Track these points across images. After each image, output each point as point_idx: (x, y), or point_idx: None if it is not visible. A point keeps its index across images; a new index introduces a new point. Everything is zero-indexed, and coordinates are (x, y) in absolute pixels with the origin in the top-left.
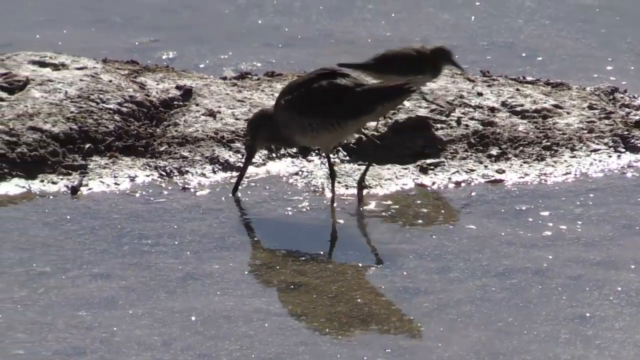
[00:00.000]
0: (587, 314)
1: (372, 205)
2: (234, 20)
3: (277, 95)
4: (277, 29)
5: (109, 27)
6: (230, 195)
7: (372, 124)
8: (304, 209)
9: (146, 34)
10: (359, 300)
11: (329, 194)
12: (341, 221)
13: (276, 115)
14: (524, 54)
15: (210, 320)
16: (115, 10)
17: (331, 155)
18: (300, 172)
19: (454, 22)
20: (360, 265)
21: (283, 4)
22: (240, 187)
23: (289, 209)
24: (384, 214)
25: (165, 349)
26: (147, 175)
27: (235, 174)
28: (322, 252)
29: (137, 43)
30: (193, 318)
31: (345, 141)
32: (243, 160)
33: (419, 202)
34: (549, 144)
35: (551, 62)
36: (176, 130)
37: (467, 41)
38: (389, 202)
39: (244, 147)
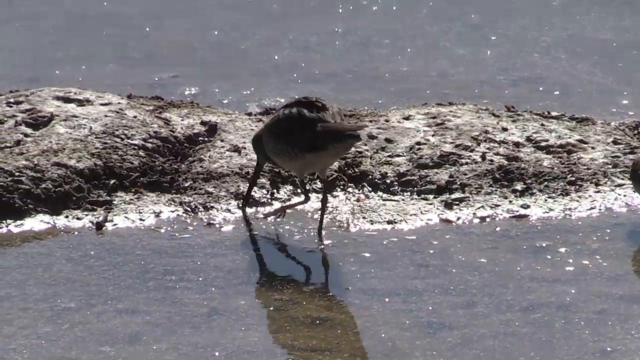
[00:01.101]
0: (609, 348)
1: (397, 240)
2: (252, 56)
3: None
4: (295, 64)
5: (130, 63)
6: (241, 208)
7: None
8: (330, 245)
9: (166, 70)
10: (383, 335)
11: (353, 229)
12: (365, 254)
13: (264, 137)
14: (541, 88)
15: (234, 355)
16: (135, 46)
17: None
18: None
19: (470, 57)
20: (386, 300)
21: (299, 40)
22: (251, 200)
23: (315, 244)
24: (409, 248)
25: None
26: (172, 211)
27: (260, 209)
28: (349, 287)
29: (156, 79)
30: (217, 353)
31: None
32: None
33: (443, 237)
34: (573, 179)
35: (569, 97)
36: (201, 166)
37: (484, 76)
38: (414, 237)
39: (269, 182)
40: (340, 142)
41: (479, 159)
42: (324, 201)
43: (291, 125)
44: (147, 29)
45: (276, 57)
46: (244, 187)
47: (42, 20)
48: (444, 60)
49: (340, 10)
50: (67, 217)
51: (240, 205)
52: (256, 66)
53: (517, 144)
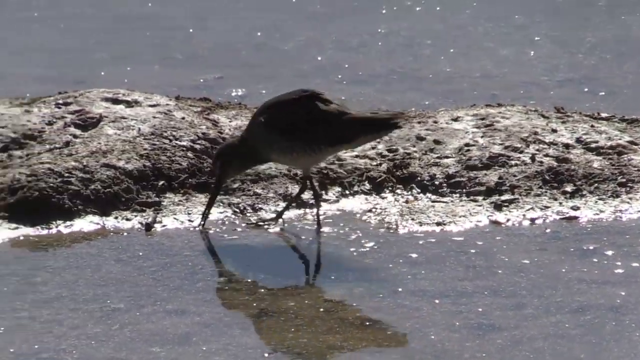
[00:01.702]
0: None
1: (446, 242)
2: (296, 57)
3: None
4: (339, 65)
5: (173, 64)
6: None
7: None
8: (378, 247)
9: (210, 72)
10: (433, 336)
11: (402, 231)
12: (414, 255)
13: (252, 134)
14: (586, 89)
15: (284, 356)
16: (178, 47)
17: (404, 192)
18: (373, 209)
19: (513, 58)
20: (436, 301)
21: (343, 41)
22: (208, 219)
23: (363, 246)
24: (458, 250)
25: None
26: (221, 212)
27: (308, 210)
28: (399, 289)
29: (202, 80)
30: (266, 354)
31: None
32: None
33: (493, 239)
34: (624, 180)
35: (615, 98)
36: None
37: (528, 77)
38: (463, 239)
39: (317, 184)
40: (374, 133)
41: (529, 161)
42: (318, 195)
43: (307, 121)
44: (191, 30)
45: (319, 58)
46: (292, 188)
47: (87, 21)
48: (487, 61)
49: (384, 11)
50: (116, 218)
51: (201, 224)
52: (300, 67)
53: (566, 146)
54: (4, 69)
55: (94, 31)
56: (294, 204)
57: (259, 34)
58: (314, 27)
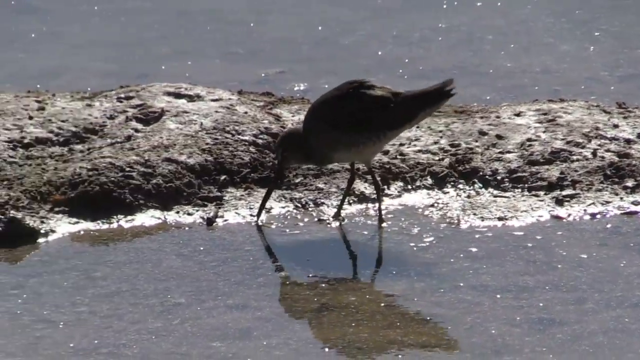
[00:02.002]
0: None
1: (507, 237)
2: (357, 52)
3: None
4: (399, 60)
5: (234, 59)
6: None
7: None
8: (440, 241)
9: (271, 66)
10: (494, 331)
11: (464, 225)
12: (476, 250)
13: (310, 137)
14: None
15: (344, 351)
16: (239, 42)
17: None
18: (435, 204)
19: (573, 53)
20: (497, 296)
21: (403, 36)
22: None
23: (425, 240)
24: (519, 245)
25: None
26: (283, 207)
27: (370, 205)
28: (460, 283)
29: (263, 74)
30: (327, 349)
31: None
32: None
33: (554, 233)
34: None
35: None
36: None
37: (588, 72)
38: (525, 234)
39: (379, 179)
40: (432, 106)
41: (590, 156)
42: (378, 186)
43: (365, 110)
44: (251, 25)
45: (379, 53)
46: (354, 183)
47: (148, 15)
48: (547, 56)
49: (445, 6)
50: (177, 212)
51: (257, 221)
52: (361, 62)
53: (628, 141)
54: (65, 62)
55: (155, 25)
56: (351, 197)
57: (320, 28)
58: (374, 21)
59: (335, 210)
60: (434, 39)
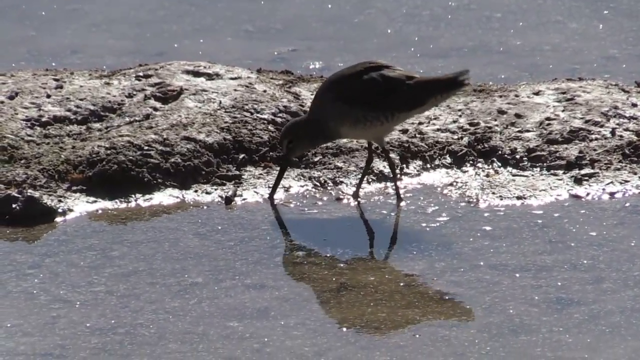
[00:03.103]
0: None
1: (526, 216)
2: (366, 30)
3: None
4: (409, 38)
5: (245, 37)
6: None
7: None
8: (459, 220)
9: (283, 44)
10: (512, 311)
11: (483, 205)
12: (495, 229)
13: (321, 111)
14: None
15: (362, 331)
16: (249, 20)
17: (485, 166)
18: (454, 183)
19: (582, 31)
20: (516, 275)
21: (412, 14)
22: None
23: (444, 219)
24: (538, 224)
25: None
26: (301, 186)
27: (389, 184)
28: (481, 263)
29: (276, 53)
30: (344, 329)
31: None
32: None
33: (572, 213)
34: None
35: None
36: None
37: (597, 50)
38: (543, 213)
39: (398, 158)
40: (444, 93)
41: (609, 135)
42: (393, 164)
43: (378, 89)
44: (262, 2)
45: (389, 31)
46: (373, 162)
47: None
48: (556, 34)
49: None
50: (196, 191)
51: (268, 196)
52: (372, 40)
53: None
54: (83, 41)
55: (173, 3)
56: (369, 175)
57: (329, 6)
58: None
59: (354, 189)
60: (443, 17)
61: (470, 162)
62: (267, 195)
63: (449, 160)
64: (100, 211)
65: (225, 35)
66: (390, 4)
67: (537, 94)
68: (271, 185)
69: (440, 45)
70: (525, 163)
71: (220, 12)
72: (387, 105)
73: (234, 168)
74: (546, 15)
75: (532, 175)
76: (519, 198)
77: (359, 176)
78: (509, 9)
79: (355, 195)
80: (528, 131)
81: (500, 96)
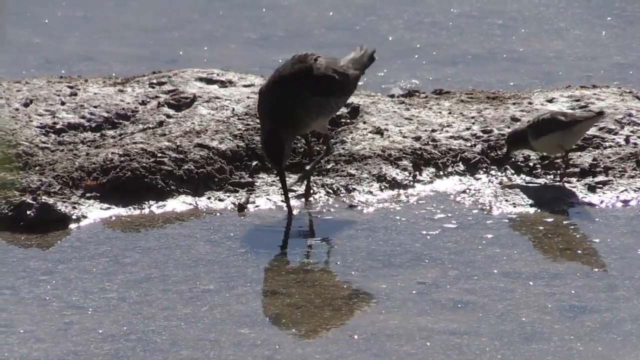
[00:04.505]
0: None
1: (539, 223)
2: (367, 36)
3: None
4: (410, 45)
5: (247, 44)
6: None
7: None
8: (472, 228)
9: (285, 52)
10: (524, 319)
11: (496, 212)
12: (508, 237)
13: (293, 111)
14: None
15: (374, 338)
16: (250, 27)
17: (498, 173)
18: (467, 190)
19: (585, 38)
20: (530, 283)
21: (414, 20)
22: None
23: (458, 227)
24: (551, 231)
25: None
26: (314, 193)
27: (402, 191)
28: (494, 271)
29: (280, 60)
30: (356, 336)
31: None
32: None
33: (586, 220)
34: None
35: None
36: (343, 148)
37: (601, 57)
38: (557, 220)
39: (411, 165)
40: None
41: (623, 142)
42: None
43: (339, 78)
44: (263, 10)
45: (390, 38)
46: (386, 169)
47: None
48: (559, 41)
49: None
50: (209, 198)
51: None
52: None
53: None
54: (97, 48)
55: (175, 11)
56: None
57: (330, 13)
58: (385, 5)
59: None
60: (445, 25)
61: (484, 169)
62: (280, 202)
63: (462, 167)
64: (113, 218)
65: (228, 42)
66: (392, 10)
67: (550, 101)
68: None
69: (444, 52)
70: (539, 170)
71: (222, 20)
72: (343, 92)
73: (247, 175)
74: (548, 22)
75: (546, 182)
76: (532, 206)
77: (373, 183)
78: (510, 16)
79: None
80: None
81: (514, 103)
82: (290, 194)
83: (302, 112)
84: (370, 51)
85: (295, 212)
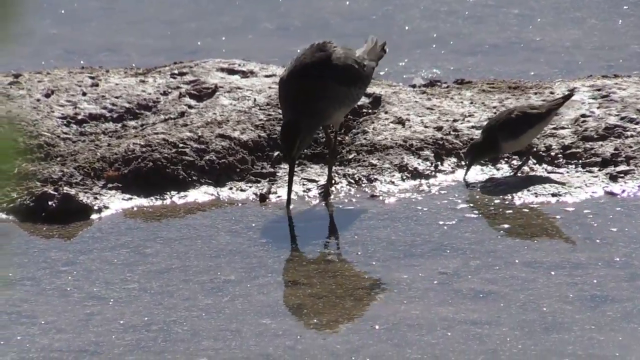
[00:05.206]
0: None
1: (561, 213)
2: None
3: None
4: (427, 35)
5: (264, 34)
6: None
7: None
8: (494, 218)
9: (303, 42)
10: (545, 309)
11: (518, 202)
12: (530, 226)
13: (316, 102)
14: None
15: (395, 328)
16: (267, 17)
17: (520, 163)
18: (489, 180)
19: (601, 27)
20: (552, 273)
21: (430, 9)
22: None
23: (479, 217)
24: (573, 221)
25: (348, 357)
26: (336, 183)
27: (424, 181)
28: (516, 261)
29: (298, 50)
30: (377, 326)
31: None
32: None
33: (608, 210)
34: None
35: None
36: (365, 138)
37: (620, 46)
38: (579, 210)
39: (433, 155)
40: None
41: None
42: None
43: (358, 67)
44: (279, 0)
45: (407, 28)
46: (407, 159)
47: None
48: (576, 30)
49: None
50: (230, 188)
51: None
52: (391, 37)
53: None
54: (119, 38)
55: (204, 1)
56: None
57: (347, 3)
58: None
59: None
60: (461, 14)
61: (505, 159)
62: (302, 192)
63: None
64: (135, 208)
65: (246, 33)
66: (406, 1)
67: (572, 90)
68: (306, 183)
69: (462, 42)
70: (560, 160)
71: (238, 11)
72: (363, 82)
73: (269, 165)
74: (564, 11)
75: (567, 172)
76: (553, 195)
77: (395, 173)
78: (527, 5)
79: (325, 190)
80: (563, 128)
81: (535, 93)
82: (312, 184)
83: (325, 103)
84: (381, 43)
85: (316, 202)
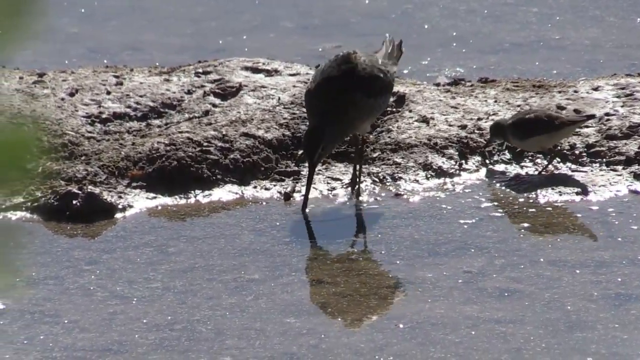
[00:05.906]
0: None
1: (585, 211)
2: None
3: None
4: (446, 33)
5: (285, 33)
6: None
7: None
8: (519, 216)
9: (324, 40)
10: (569, 307)
11: (542, 200)
12: (554, 225)
13: (348, 110)
14: None
15: (419, 327)
16: (286, 16)
17: (544, 162)
18: (513, 179)
19: (620, 25)
20: (576, 271)
21: (449, 8)
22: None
23: (503, 215)
24: (597, 219)
25: (372, 356)
26: (360, 182)
27: (448, 179)
28: (541, 259)
29: (320, 49)
30: (401, 325)
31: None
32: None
33: (632, 208)
34: None
35: None
36: (389, 137)
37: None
38: (603, 208)
39: (457, 153)
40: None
41: None
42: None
43: (383, 77)
44: None
45: (426, 27)
46: (432, 158)
47: None
48: (595, 28)
49: None
50: (255, 187)
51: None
52: (414, 36)
53: None
54: (143, 37)
55: (224, 0)
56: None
57: (366, 1)
58: None
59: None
60: (480, 12)
61: (529, 157)
62: (326, 191)
63: (507, 156)
64: (159, 207)
65: (267, 32)
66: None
67: (596, 89)
68: (330, 182)
69: (483, 40)
70: (585, 158)
71: (258, 9)
72: (387, 90)
73: (293, 164)
74: (583, 10)
75: (591, 170)
76: (578, 194)
77: (419, 172)
78: (546, 3)
79: (356, 191)
80: (587, 127)
81: (559, 92)
82: (336, 183)
83: (353, 114)
84: (397, 42)
85: (340, 200)
